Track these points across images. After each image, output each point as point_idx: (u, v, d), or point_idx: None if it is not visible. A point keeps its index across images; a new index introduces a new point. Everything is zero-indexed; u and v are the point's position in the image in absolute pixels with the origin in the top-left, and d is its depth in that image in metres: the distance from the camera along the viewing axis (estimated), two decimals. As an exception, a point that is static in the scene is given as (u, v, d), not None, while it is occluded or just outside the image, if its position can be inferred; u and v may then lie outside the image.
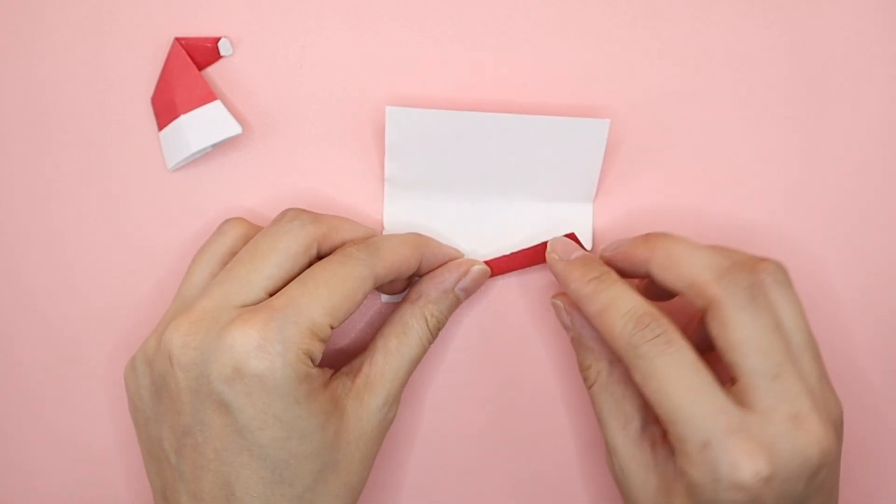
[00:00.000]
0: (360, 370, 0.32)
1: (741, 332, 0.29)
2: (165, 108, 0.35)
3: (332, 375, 0.31)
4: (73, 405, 0.37)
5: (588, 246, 0.36)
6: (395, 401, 0.32)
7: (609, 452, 0.32)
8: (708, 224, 0.37)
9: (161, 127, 0.35)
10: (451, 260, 0.35)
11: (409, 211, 0.36)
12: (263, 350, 0.28)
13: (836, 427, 0.30)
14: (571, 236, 0.35)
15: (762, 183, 0.37)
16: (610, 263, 0.33)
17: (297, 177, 0.36)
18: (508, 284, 0.36)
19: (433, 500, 0.37)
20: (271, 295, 0.30)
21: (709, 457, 0.28)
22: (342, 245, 0.32)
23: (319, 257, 0.32)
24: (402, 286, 0.35)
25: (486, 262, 0.35)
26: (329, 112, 0.36)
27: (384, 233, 0.36)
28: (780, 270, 0.31)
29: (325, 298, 0.29)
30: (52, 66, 0.36)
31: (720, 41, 0.36)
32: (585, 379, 0.33)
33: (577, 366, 0.34)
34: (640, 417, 0.32)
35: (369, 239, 0.32)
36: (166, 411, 0.30)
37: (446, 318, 0.34)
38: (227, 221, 0.33)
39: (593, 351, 0.33)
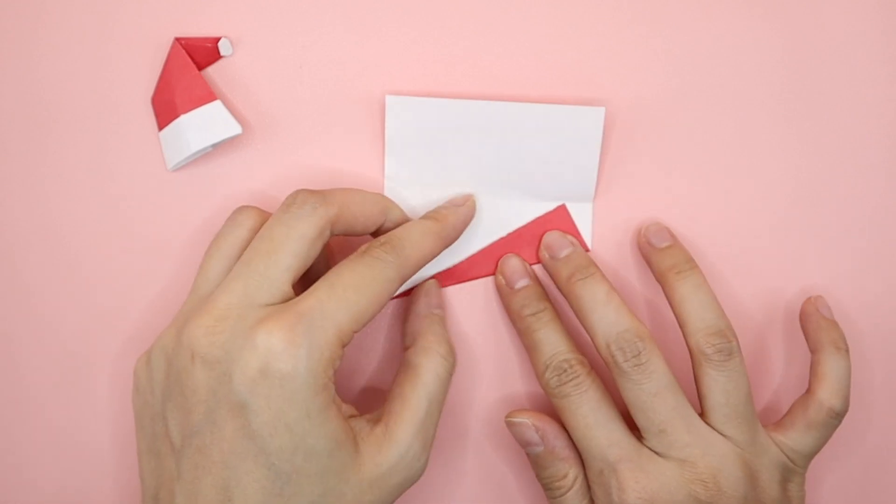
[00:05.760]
0: (379, 419, 0.31)
1: (626, 395, 0.33)
2: (165, 108, 0.35)
3: (351, 416, 0.31)
4: (74, 406, 0.37)
5: (588, 245, 0.36)
6: (422, 449, 0.31)
7: None
8: (708, 223, 0.37)
9: (161, 127, 0.35)
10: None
11: (409, 209, 0.36)
12: (288, 353, 0.28)
13: (738, 471, 0.32)
14: (561, 210, 0.36)
15: (762, 181, 0.37)
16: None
17: (298, 176, 0.36)
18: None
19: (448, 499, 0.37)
20: (293, 286, 0.30)
21: (603, 481, 0.32)
22: (354, 222, 0.32)
23: (333, 236, 0.31)
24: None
25: (435, 276, 0.36)
26: (329, 112, 0.36)
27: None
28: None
29: (353, 303, 0.29)
30: (52, 66, 0.36)
31: (720, 38, 0.36)
32: (559, 488, 0.34)
33: (545, 479, 0.34)
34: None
35: (393, 236, 0.32)
36: (175, 408, 0.30)
37: (447, 339, 0.33)
38: (239, 211, 0.33)
39: (568, 459, 0.34)
